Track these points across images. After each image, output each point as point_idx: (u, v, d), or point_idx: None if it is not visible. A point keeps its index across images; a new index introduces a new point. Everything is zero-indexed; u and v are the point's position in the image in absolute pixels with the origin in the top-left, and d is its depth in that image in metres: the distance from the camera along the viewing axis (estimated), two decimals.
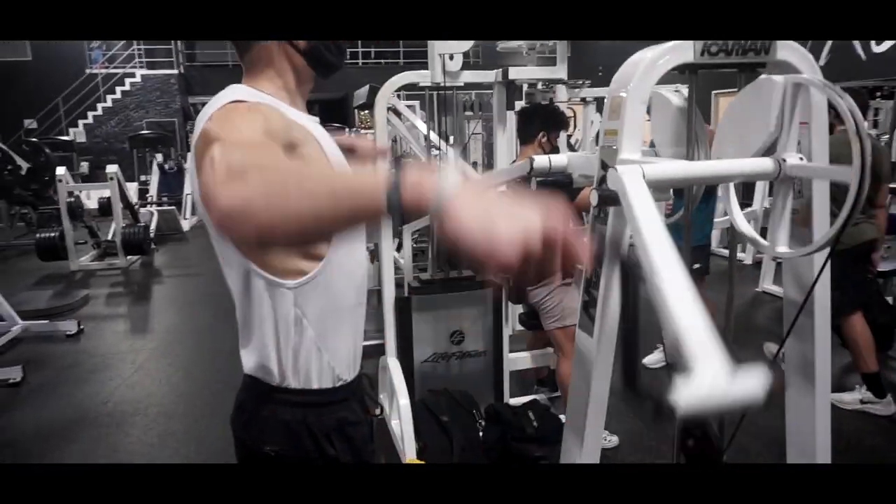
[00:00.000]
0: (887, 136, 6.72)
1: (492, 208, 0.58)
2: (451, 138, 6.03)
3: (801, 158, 1.12)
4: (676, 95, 1.36)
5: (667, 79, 1.25)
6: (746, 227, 1.23)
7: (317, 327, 1.03)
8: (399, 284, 3.65)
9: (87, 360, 4.14)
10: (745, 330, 4.17)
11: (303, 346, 1.02)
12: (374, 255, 3.93)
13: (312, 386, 1.05)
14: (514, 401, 2.88)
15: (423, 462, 2.40)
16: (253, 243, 0.77)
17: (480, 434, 2.55)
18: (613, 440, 2.82)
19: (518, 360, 2.92)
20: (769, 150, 1.15)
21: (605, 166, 1.23)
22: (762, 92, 1.17)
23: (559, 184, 1.35)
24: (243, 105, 0.95)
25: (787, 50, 1.25)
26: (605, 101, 1.25)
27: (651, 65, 1.19)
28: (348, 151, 1.19)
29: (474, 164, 6.17)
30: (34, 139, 5.20)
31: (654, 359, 3.53)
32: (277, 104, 1.01)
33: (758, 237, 1.21)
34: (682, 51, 1.21)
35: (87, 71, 15.06)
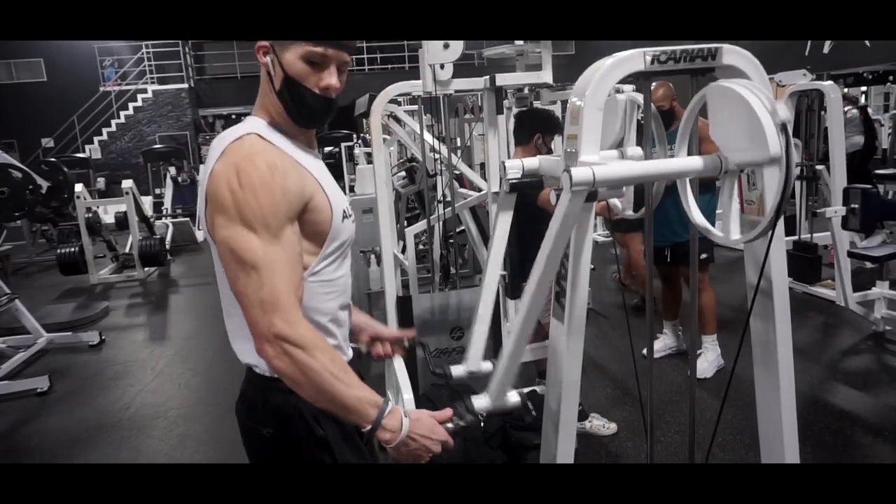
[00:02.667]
0: None
1: (415, 445, 1.11)
2: (458, 140, 6.17)
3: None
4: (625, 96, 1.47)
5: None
6: (701, 219, 1.34)
7: None
8: (405, 285, 3.78)
9: (109, 369, 4.32)
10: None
11: None
12: (379, 258, 4.07)
13: None
14: (514, 392, 2.98)
15: None
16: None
17: (482, 424, 2.66)
18: (612, 427, 2.92)
19: None
20: None
21: (567, 169, 1.35)
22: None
23: (531, 185, 1.47)
24: (258, 149, 1.08)
25: (733, 54, 1.35)
26: (567, 108, 1.37)
27: (605, 74, 1.31)
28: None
29: (481, 165, 6.27)
30: (52, 159, 5.42)
31: (658, 346, 3.62)
32: (283, 141, 1.13)
33: (711, 227, 1.32)
34: (633, 60, 1.32)
35: (101, 89, 15.42)
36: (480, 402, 1.48)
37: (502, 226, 1.74)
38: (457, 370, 1.78)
